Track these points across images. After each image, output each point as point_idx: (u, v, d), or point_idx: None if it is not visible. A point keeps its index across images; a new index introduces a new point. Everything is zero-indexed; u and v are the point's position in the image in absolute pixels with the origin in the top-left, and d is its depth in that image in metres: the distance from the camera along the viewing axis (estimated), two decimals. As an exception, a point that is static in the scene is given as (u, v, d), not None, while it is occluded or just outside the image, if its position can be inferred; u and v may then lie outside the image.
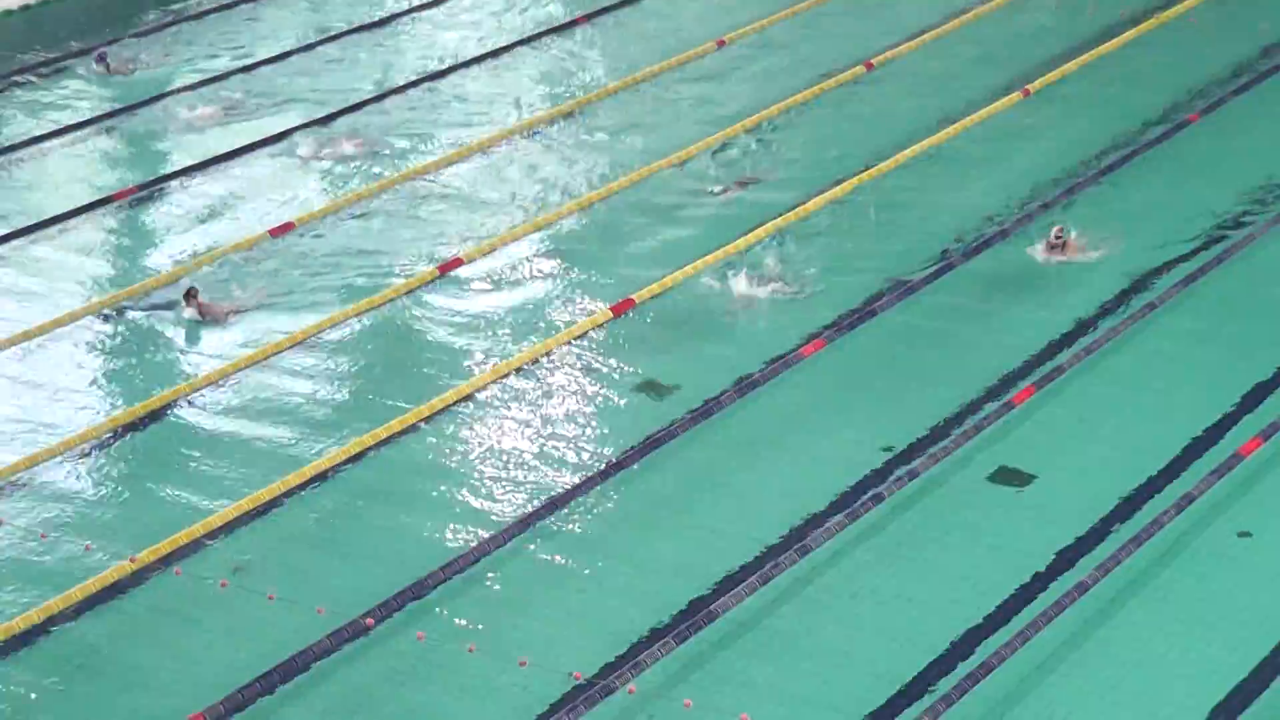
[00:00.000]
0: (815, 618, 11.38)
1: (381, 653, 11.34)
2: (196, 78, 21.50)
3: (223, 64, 21.98)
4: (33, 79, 21.81)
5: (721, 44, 21.55)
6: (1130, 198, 16.84)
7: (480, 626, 11.49)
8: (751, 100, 19.83)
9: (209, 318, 15.40)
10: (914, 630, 11.17)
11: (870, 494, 12.45)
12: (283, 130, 19.71)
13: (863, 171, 17.68)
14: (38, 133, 20.16)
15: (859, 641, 11.14)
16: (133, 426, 14.10)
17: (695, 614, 11.33)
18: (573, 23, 22.65)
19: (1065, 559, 11.68)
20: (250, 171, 18.91)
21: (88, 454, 13.76)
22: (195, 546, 12.44)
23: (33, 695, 11.21)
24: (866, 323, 14.80)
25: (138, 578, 12.17)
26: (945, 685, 10.56)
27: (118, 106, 20.75)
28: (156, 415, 14.24)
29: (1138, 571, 11.50)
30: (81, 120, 20.44)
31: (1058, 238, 15.36)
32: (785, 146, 18.71)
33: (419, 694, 10.97)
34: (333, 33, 22.74)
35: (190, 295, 15.44)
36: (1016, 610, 11.22)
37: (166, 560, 12.32)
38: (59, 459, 13.68)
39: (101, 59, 21.65)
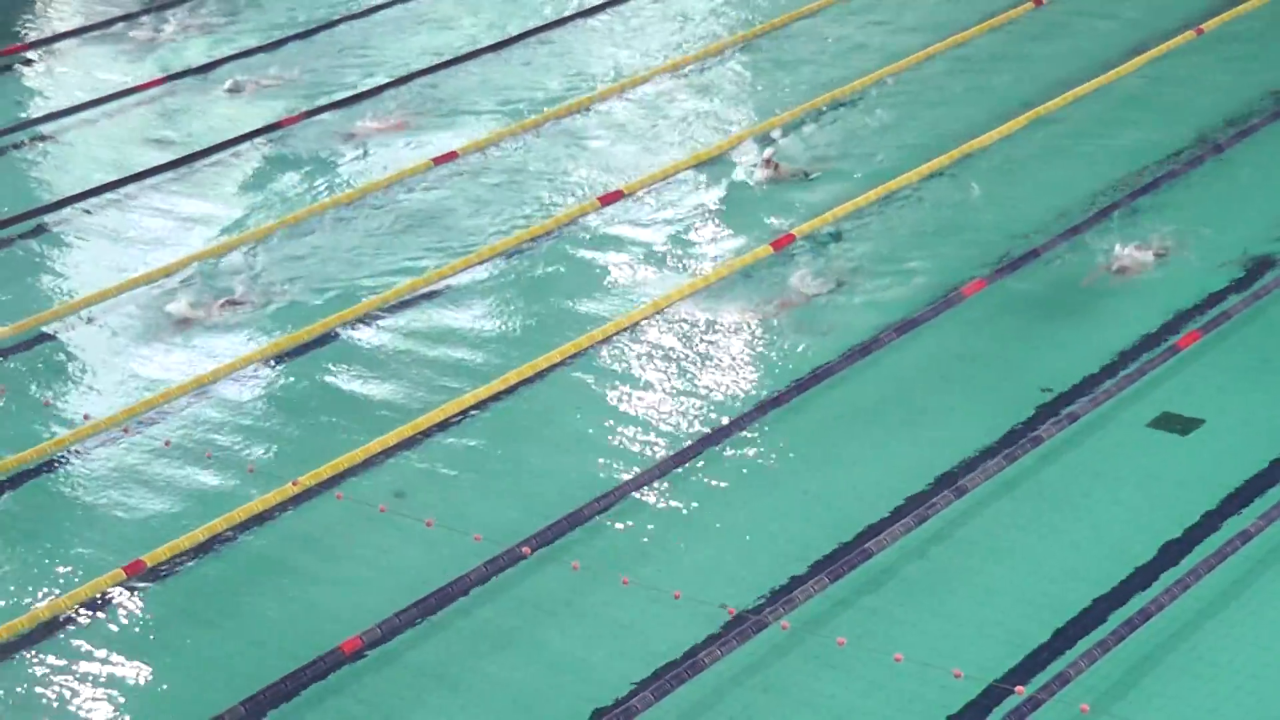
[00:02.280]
0: (971, 559, 11.24)
1: (537, 581, 11.37)
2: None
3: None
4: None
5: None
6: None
7: (635, 559, 11.49)
8: (926, 35, 19.62)
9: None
10: (1071, 573, 11.01)
11: (1029, 436, 12.31)
12: (434, 64, 19.93)
13: (1036, 107, 17.43)
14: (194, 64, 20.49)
15: (1015, 583, 10.99)
16: (296, 353, 14.29)
17: (849, 552, 11.25)
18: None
19: (1229, 506, 11.46)
20: (412, 100, 19.08)
21: (252, 379, 13.96)
22: (355, 471, 12.56)
23: (194, 612, 11.37)
24: (1029, 264, 14.63)
25: (299, 500, 12.34)
26: (1103, 630, 10.41)
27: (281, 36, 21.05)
28: (320, 342, 14.40)
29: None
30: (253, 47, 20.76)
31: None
32: (954, 81, 18.50)
33: (573, 622, 10.99)
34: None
35: None
36: (1180, 556, 11.03)
37: (328, 484, 12.45)
38: (226, 381, 13.89)
39: None
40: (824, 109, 17.91)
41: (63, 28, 22.55)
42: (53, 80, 21.21)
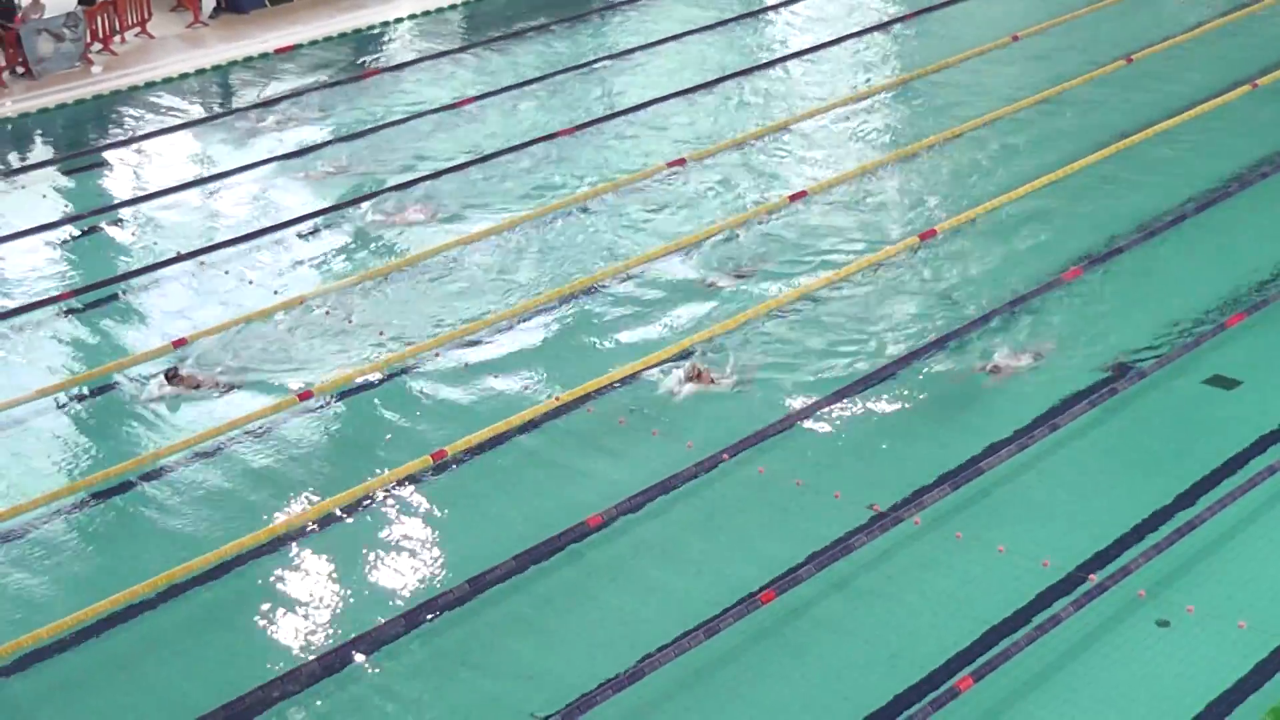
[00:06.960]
0: (1056, 482, 11.77)
1: (737, 477, 12.02)
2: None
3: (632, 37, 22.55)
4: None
5: (1016, 39, 21.35)
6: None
7: (810, 469, 12.11)
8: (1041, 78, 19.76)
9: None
10: (1131, 491, 11.53)
11: (1107, 388, 12.75)
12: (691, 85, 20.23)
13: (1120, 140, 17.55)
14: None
15: (1095, 498, 11.53)
16: (570, 297, 14.82)
17: (967, 469, 11.86)
18: (905, 16, 22.70)
19: (1258, 447, 11.92)
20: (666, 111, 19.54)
21: (527, 319, 14.54)
22: (601, 391, 13.25)
23: (480, 490, 12.12)
24: (1113, 259, 14.92)
25: (560, 411, 13.00)
26: (1153, 538, 10.95)
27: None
28: (589, 290, 14.97)
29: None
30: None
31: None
32: (1061, 119, 18.54)
33: (761, 515, 11.66)
34: (705, 24, 22.90)
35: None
36: (1210, 487, 11.53)
37: (581, 400, 13.17)
38: (521, 317, 14.47)
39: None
40: (973, 131, 18.04)
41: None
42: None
